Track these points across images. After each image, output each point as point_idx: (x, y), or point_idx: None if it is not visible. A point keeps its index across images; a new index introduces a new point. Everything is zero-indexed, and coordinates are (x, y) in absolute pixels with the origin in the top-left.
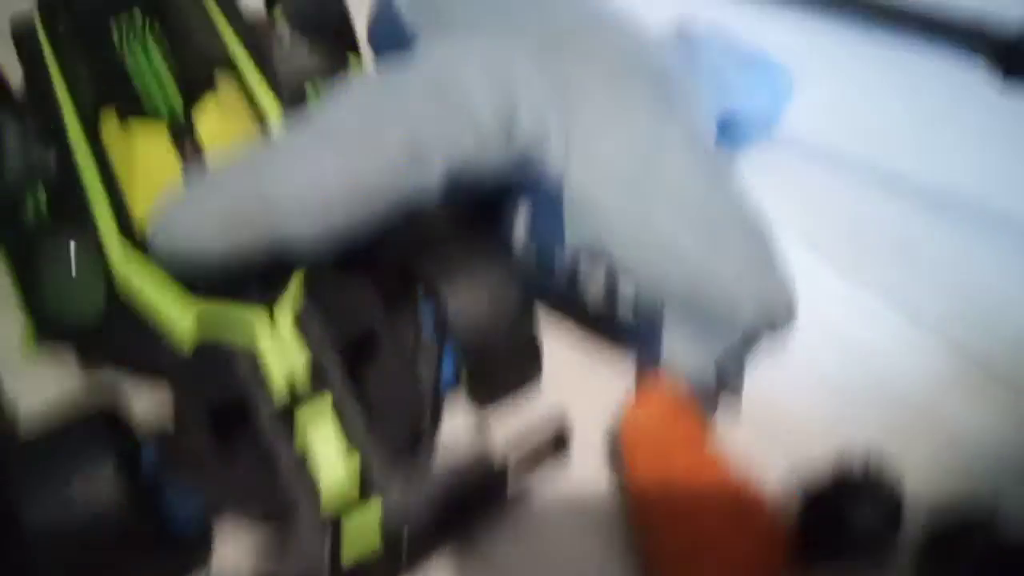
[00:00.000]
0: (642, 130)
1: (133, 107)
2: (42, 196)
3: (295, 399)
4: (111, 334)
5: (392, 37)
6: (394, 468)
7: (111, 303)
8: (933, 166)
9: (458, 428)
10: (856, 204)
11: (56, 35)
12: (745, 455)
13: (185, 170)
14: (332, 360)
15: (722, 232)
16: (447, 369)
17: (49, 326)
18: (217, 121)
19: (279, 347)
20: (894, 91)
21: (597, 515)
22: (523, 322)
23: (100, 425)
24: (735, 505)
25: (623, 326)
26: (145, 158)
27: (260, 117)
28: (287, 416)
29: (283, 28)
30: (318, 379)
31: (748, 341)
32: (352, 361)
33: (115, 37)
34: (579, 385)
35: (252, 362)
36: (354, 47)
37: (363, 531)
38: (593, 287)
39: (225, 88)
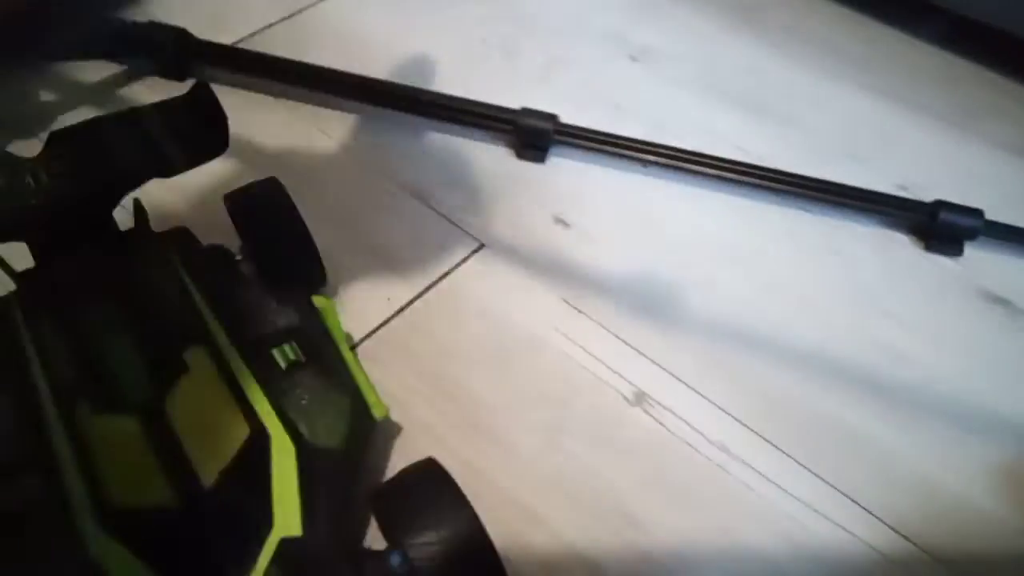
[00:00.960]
0: None
1: (108, 396)
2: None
3: None
4: None
5: None
6: None
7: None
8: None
9: None
10: (803, 394)
11: (34, 316)
12: None
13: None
14: None
15: None
16: None
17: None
18: (192, 407)
19: None
20: (829, 263)
21: None
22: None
23: None
24: None
25: None
26: (119, 454)
27: (236, 395)
28: None
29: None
30: None
31: None
32: None
33: (90, 321)
34: None
35: None
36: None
37: None
38: None
39: (198, 368)
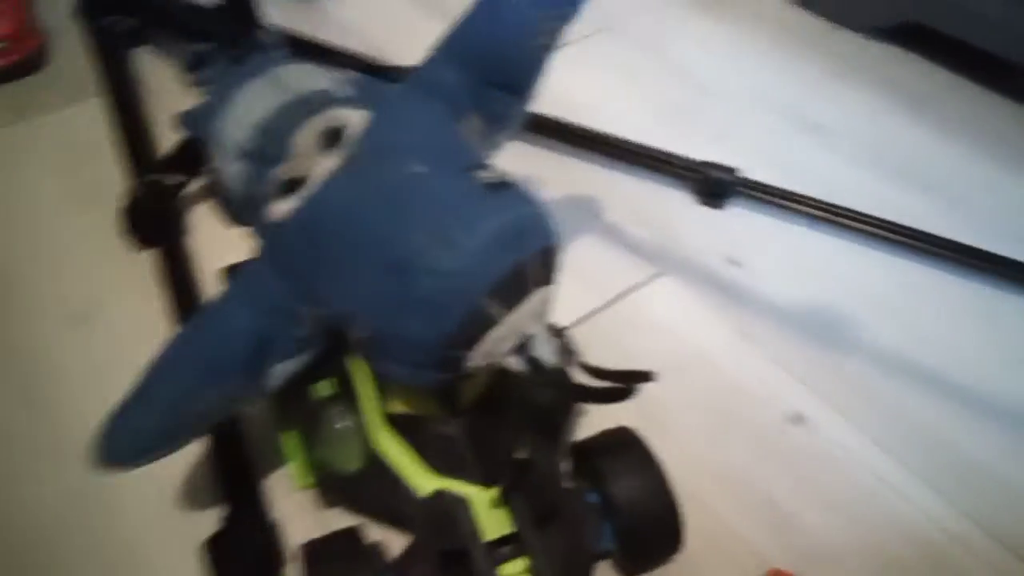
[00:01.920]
0: None
1: None
2: (328, 383)
3: (501, 558)
4: (363, 485)
5: None
6: None
7: (368, 463)
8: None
9: None
10: (957, 438)
11: None
12: None
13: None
14: (532, 534)
15: None
16: (605, 541)
17: (320, 471)
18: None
19: (494, 516)
20: (971, 320)
21: None
22: (669, 508)
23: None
24: None
25: None
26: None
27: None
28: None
29: None
30: (519, 546)
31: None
32: (540, 528)
33: None
34: None
35: (472, 524)
36: None
37: None
38: None
39: None
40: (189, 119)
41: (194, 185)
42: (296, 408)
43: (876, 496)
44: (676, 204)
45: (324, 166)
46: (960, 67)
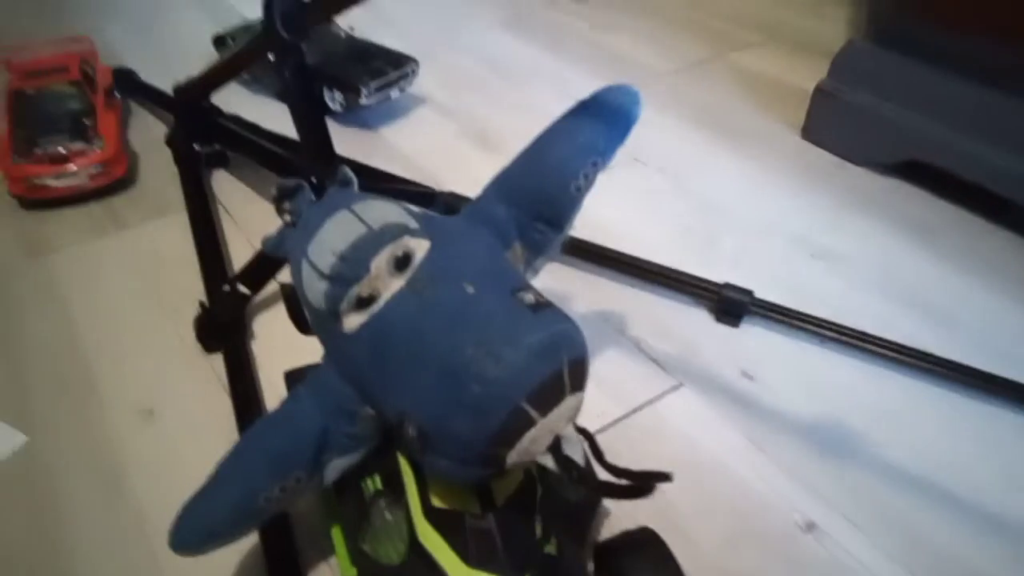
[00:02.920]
0: None
1: None
2: (376, 479)
3: None
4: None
5: None
6: None
7: (409, 555)
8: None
9: None
10: (963, 552)
11: None
12: None
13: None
14: None
15: None
16: None
17: (365, 563)
18: None
19: None
20: (970, 434)
21: None
22: None
23: None
24: None
25: None
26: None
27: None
28: None
29: None
30: None
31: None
32: None
33: None
34: None
35: None
36: None
37: None
38: None
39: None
40: (273, 243)
41: (262, 297)
42: (346, 502)
43: None
44: (695, 321)
45: (393, 286)
46: (962, 200)
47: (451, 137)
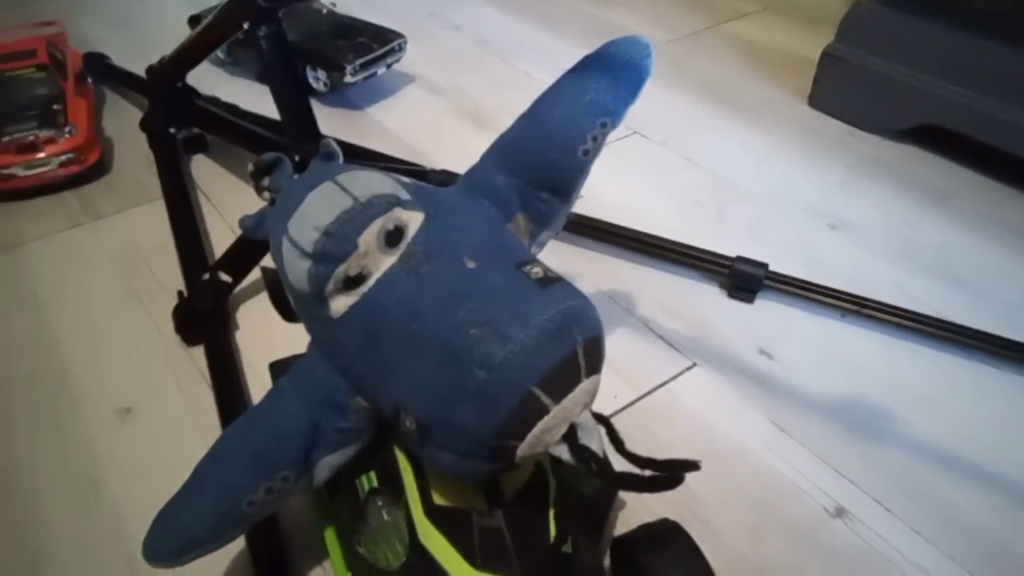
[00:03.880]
0: None
1: None
2: (372, 476)
3: None
4: None
5: None
6: None
7: (409, 558)
8: None
9: None
10: (995, 528)
11: None
12: None
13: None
14: None
15: None
16: None
17: (361, 566)
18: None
19: None
20: (998, 406)
21: None
22: None
23: None
24: None
25: None
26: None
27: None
28: None
29: None
30: None
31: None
32: None
33: None
34: None
35: None
36: None
37: None
38: None
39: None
40: (251, 223)
41: (245, 285)
42: (339, 502)
43: None
44: (707, 298)
45: (384, 264)
46: (977, 164)
47: (442, 115)
